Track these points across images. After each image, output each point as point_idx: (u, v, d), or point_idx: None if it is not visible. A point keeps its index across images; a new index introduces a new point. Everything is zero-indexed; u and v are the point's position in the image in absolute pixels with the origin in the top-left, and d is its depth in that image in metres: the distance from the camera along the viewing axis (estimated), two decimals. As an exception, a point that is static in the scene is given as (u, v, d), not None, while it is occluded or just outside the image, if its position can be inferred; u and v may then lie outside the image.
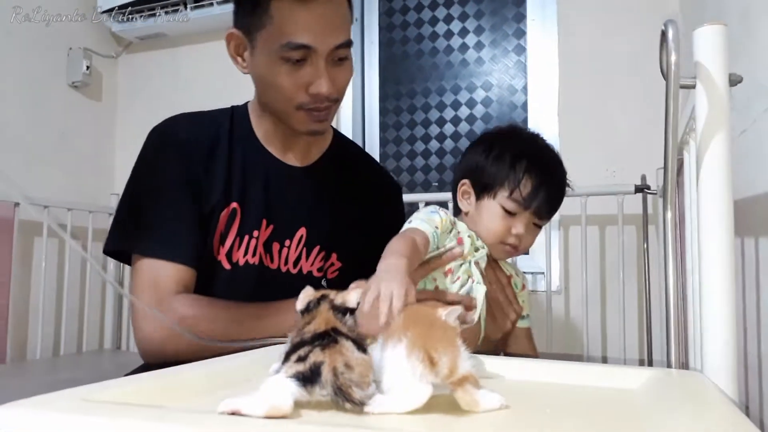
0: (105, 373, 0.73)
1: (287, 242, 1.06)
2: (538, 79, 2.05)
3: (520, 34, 2.14)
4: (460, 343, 0.50)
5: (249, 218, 1.03)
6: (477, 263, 0.90)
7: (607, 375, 0.64)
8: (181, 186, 1.00)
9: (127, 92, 2.52)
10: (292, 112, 0.99)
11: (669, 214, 0.70)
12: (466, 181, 0.95)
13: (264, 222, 1.04)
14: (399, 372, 0.48)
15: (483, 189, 0.92)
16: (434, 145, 2.26)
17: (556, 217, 1.93)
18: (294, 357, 0.50)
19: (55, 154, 2.26)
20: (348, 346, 0.51)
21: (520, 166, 0.89)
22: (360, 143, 2.28)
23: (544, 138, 1.00)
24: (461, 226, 0.94)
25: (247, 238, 1.02)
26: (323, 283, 1.09)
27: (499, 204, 0.90)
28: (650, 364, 1.68)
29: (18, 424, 0.41)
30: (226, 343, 0.86)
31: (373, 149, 2.29)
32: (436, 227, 0.88)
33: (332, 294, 0.60)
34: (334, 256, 1.10)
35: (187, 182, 1.00)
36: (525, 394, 0.60)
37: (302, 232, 1.07)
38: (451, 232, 0.92)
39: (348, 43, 0.98)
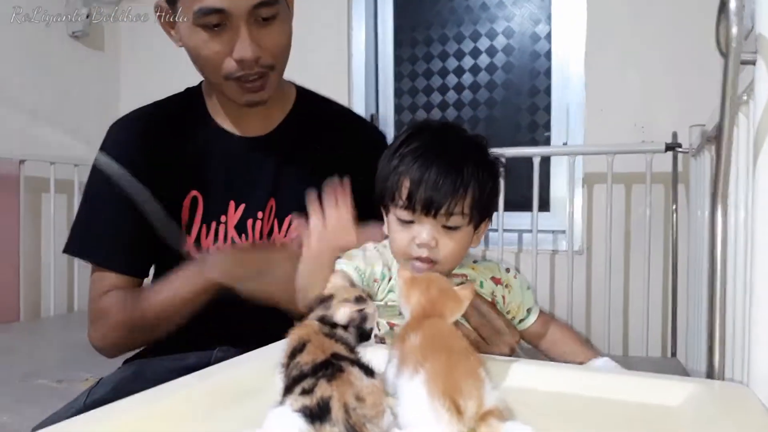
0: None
1: (260, 214, 1.02)
2: (563, 26, 1.94)
3: (545, -25, 2.02)
4: (484, 373, 0.45)
5: (213, 204, 1.00)
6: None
7: (644, 388, 0.59)
8: (129, 191, 0.98)
9: (130, 40, 2.43)
10: (223, 83, 0.93)
11: (720, 219, 0.63)
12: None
13: (232, 204, 1.01)
14: (420, 412, 0.43)
15: (383, 205, 0.77)
16: (452, 96, 2.17)
17: (579, 174, 1.88)
18: (297, 389, 0.46)
19: (58, 108, 2.20)
20: (355, 372, 0.47)
21: (402, 162, 0.74)
22: (373, 95, 2.20)
23: (456, 126, 0.80)
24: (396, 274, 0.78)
25: (214, 224, 1.00)
26: None
27: (393, 216, 0.75)
28: (674, 335, 1.64)
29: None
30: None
31: (387, 101, 2.22)
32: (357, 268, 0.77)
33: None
34: None
35: (136, 184, 0.98)
36: (555, 410, 0.55)
37: (272, 203, 1.02)
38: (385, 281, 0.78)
39: (271, 0, 0.89)
